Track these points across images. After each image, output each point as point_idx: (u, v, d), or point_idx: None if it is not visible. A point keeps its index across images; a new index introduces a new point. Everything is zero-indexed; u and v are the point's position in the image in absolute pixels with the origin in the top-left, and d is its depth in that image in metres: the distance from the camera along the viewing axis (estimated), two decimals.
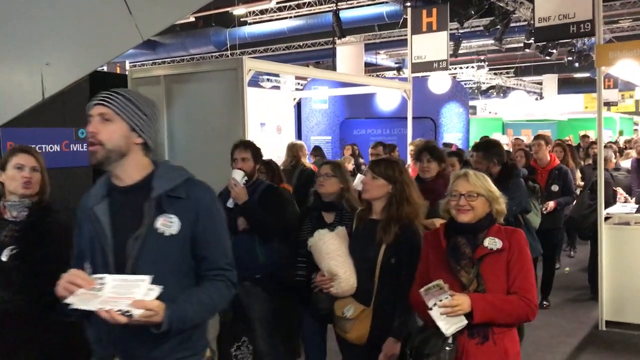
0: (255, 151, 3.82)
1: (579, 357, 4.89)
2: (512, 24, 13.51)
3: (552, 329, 5.47)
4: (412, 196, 2.94)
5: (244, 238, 3.59)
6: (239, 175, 3.65)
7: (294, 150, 6.12)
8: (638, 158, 7.23)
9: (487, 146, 4.68)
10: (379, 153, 6.77)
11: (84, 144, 3.91)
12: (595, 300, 5.64)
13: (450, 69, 17.94)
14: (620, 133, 17.63)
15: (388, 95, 11.00)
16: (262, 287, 3.65)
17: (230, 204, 3.59)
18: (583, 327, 5.51)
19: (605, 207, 5.62)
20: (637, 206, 5.98)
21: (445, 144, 10.54)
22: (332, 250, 2.89)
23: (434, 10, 7.66)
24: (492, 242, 2.45)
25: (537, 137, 6.44)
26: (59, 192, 3.81)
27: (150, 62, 19.16)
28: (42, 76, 3.53)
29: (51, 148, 3.74)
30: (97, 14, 3.83)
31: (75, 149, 3.92)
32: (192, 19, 14.93)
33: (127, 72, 5.62)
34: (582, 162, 8.90)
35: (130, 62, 17.09)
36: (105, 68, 12.13)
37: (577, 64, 17.11)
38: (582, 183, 7.98)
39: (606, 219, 5.58)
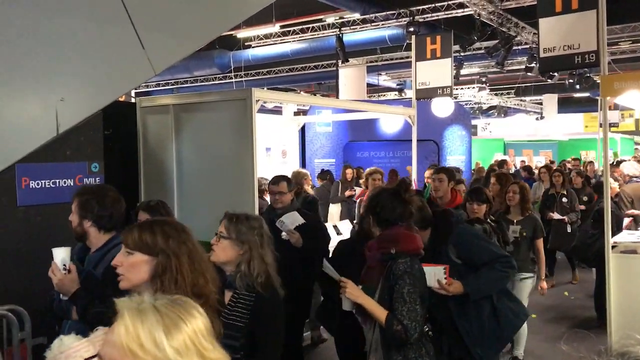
0: (97, 199, 2.72)
1: None
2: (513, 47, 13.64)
3: (559, 358, 5.45)
4: (189, 276, 1.88)
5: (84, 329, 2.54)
6: (59, 258, 2.54)
7: (298, 178, 6.19)
8: None
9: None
10: (282, 191, 4.49)
11: (97, 178, 3.96)
12: (602, 329, 5.63)
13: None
14: (615, 155, 17.50)
15: (391, 118, 11.08)
16: None
17: (62, 296, 2.63)
18: (592, 357, 5.48)
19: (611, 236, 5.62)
20: None
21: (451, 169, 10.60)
22: None
23: (438, 38, 7.76)
24: None
25: (439, 171, 5.06)
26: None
27: (154, 83, 19.32)
28: (56, 111, 3.58)
29: (65, 182, 3.77)
30: (110, 49, 3.90)
31: (88, 183, 3.96)
32: None
33: (135, 101, 5.68)
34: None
35: None
36: None
37: (578, 86, 17.22)
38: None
39: (613, 247, 5.58)
